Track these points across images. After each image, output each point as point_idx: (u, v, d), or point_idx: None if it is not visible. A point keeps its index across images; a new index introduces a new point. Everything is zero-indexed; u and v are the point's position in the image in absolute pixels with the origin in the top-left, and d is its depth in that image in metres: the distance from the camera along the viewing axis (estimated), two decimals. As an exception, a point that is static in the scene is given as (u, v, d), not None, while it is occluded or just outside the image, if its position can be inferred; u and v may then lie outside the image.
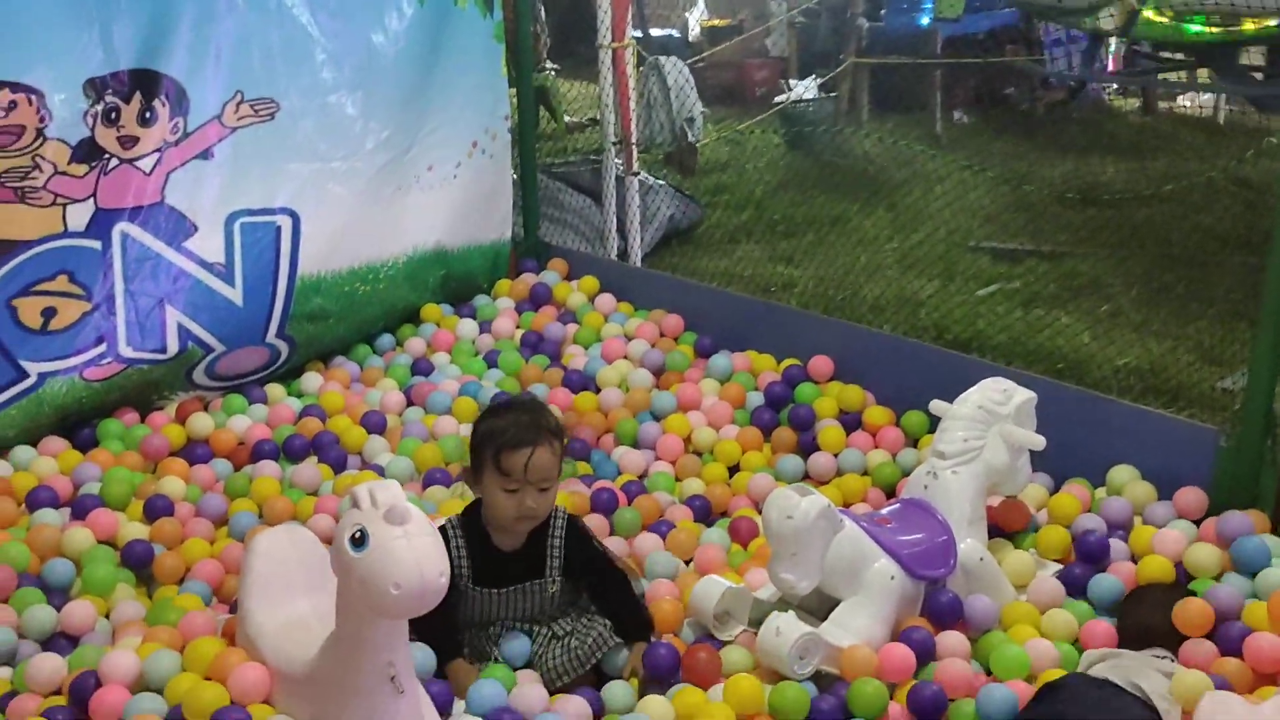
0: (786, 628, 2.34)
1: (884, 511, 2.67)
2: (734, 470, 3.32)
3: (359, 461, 3.39)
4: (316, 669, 2.04)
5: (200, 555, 2.83)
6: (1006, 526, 2.83)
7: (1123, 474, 2.94)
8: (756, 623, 2.45)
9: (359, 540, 1.84)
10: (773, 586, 2.51)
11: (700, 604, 2.51)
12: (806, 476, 3.27)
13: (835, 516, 2.41)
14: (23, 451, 3.25)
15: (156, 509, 3.00)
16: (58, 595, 2.68)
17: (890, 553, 2.48)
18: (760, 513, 2.66)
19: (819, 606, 2.52)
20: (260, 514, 3.03)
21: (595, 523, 2.94)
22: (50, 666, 2.37)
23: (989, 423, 2.67)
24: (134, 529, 2.93)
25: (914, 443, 3.30)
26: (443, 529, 2.42)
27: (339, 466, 3.32)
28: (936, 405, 2.76)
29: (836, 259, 5.42)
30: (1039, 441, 2.69)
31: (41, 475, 3.15)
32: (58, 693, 2.34)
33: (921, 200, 6.24)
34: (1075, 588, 2.62)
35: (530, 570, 2.46)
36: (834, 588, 2.49)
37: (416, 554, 1.82)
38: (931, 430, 2.95)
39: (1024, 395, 2.74)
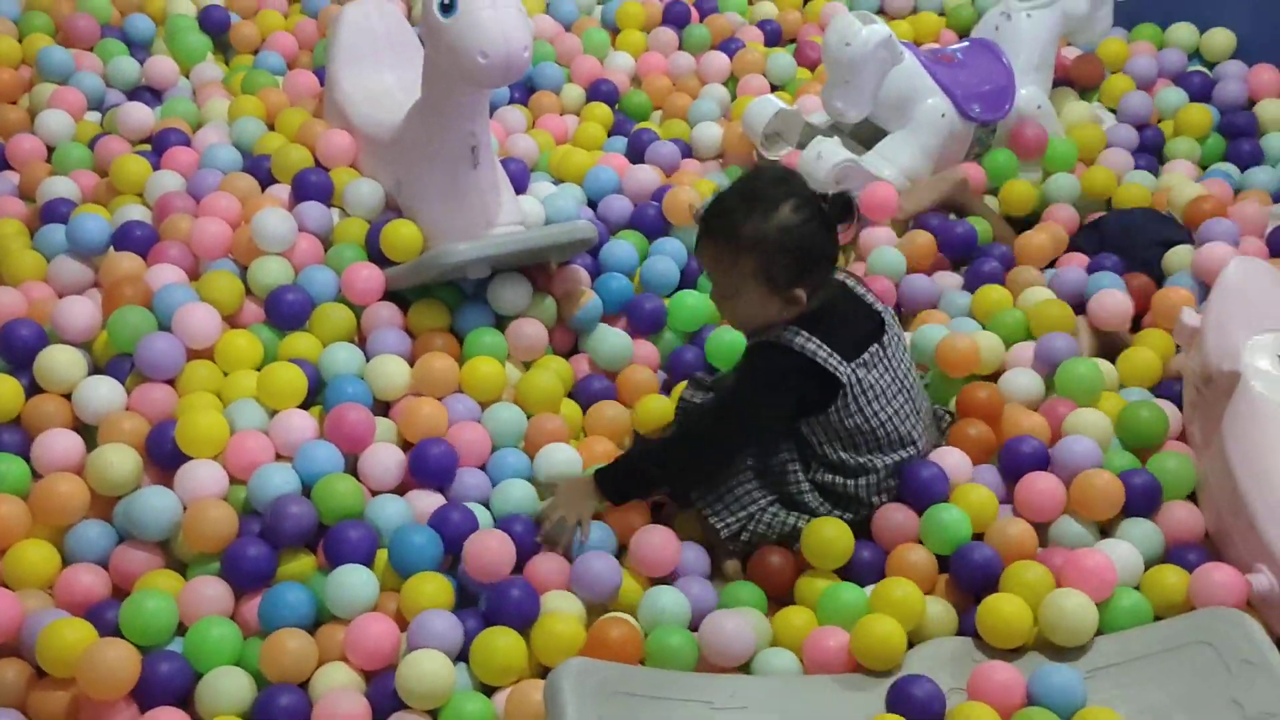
0: (828, 152, 2.40)
1: (949, 49, 2.64)
2: (809, -1, 3.26)
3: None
4: (402, 135, 2.12)
5: (275, 28, 2.87)
6: (1077, 80, 2.81)
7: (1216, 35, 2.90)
8: (805, 146, 2.50)
9: (448, 6, 1.84)
10: (826, 113, 2.56)
11: (752, 122, 2.56)
12: (882, 11, 3.19)
13: (896, 48, 2.39)
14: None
15: (233, -23, 3.02)
16: (139, 50, 2.77)
17: (945, 90, 2.49)
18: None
19: (871, 138, 2.57)
20: (336, -8, 3.05)
21: (665, 36, 2.98)
22: (139, 115, 2.50)
23: (1073, -33, 2.59)
24: (211, -6, 2.97)
25: (997, -14, 3.20)
26: None
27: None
28: (1020, -55, 2.66)
29: None
30: (1121, -9, 2.62)
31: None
32: (146, 141, 2.48)
33: None
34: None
35: None
36: (884, 120, 2.53)
37: (503, 24, 1.83)
38: (1016, -27, 2.85)
39: (1114, -59, 2.63)
